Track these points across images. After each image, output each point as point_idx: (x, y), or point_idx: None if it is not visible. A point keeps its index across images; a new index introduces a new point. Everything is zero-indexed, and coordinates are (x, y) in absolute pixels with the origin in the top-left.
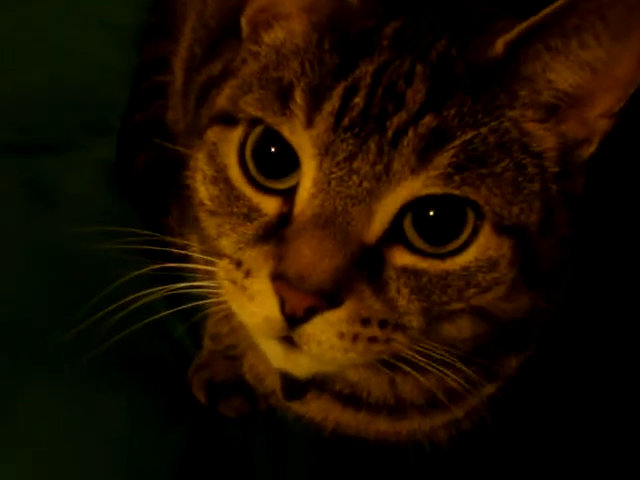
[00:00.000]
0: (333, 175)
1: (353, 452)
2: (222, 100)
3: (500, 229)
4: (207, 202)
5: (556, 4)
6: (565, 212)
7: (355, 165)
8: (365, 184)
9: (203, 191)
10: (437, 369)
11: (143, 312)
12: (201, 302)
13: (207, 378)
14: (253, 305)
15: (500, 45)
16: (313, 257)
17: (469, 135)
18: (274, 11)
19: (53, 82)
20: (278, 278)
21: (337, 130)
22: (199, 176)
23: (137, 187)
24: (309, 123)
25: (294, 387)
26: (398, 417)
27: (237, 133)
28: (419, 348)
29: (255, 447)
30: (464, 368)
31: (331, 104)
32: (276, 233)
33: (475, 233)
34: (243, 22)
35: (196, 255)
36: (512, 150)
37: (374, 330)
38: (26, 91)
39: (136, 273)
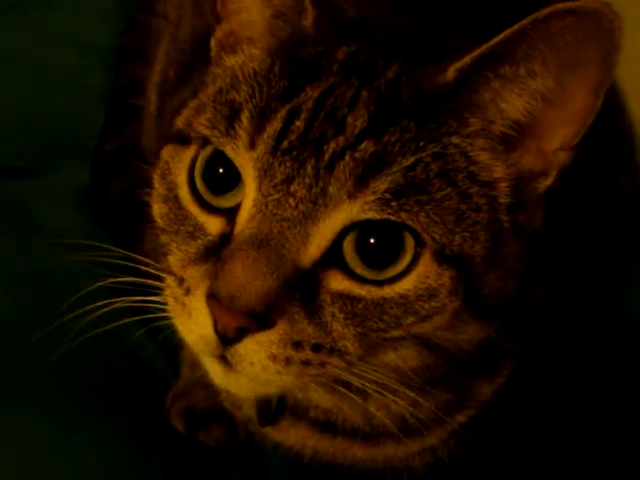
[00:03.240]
0: (270, 197)
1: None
2: (179, 120)
3: (441, 258)
4: (158, 220)
5: (507, 31)
6: (517, 244)
7: (292, 188)
8: (301, 207)
9: (156, 209)
10: (384, 395)
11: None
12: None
13: (186, 407)
14: (190, 322)
15: (451, 72)
16: (245, 278)
17: (410, 161)
18: (240, 34)
19: (29, 103)
20: (212, 297)
21: (276, 153)
22: (154, 194)
23: (112, 213)
24: (251, 145)
25: (267, 413)
26: (373, 444)
27: (189, 153)
28: (362, 373)
29: (234, 476)
30: (413, 395)
31: (272, 127)
32: (217, 252)
33: (415, 261)
34: (212, 43)
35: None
36: (456, 178)
37: (307, 354)
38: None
39: (97, 285)
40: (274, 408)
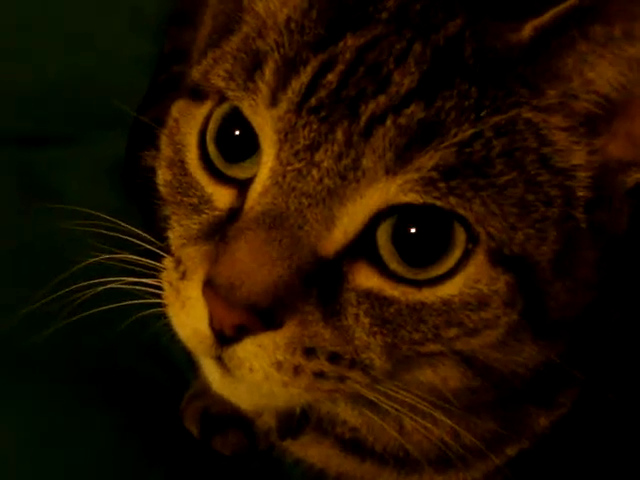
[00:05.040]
0: (290, 167)
1: None
2: (196, 71)
3: (497, 258)
4: (161, 188)
5: None
6: (594, 250)
7: (317, 157)
8: (326, 181)
9: (159, 175)
10: (415, 420)
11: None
12: None
13: (202, 408)
14: (183, 313)
15: (528, 30)
16: (249, 263)
17: (467, 134)
18: None
19: (68, 71)
20: (208, 284)
21: (301, 112)
22: (159, 157)
23: (143, 186)
24: (273, 101)
25: (288, 425)
26: (406, 472)
27: (203, 110)
28: (388, 392)
29: None
30: (451, 423)
31: (299, 80)
32: (222, 231)
33: (465, 259)
34: None
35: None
36: (524, 161)
37: (321, 364)
38: (40, 81)
39: (90, 261)
40: (296, 420)
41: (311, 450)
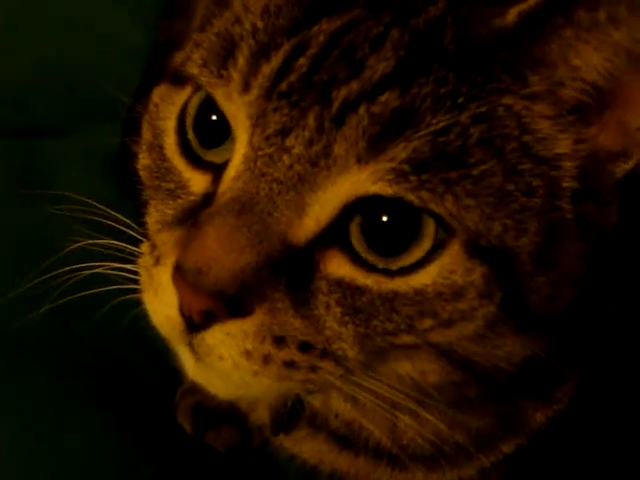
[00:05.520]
0: (261, 152)
1: None
2: (178, 56)
3: (474, 250)
4: (141, 172)
5: None
6: (582, 243)
7: (288, 142)
8: (297, 167)
9: (140, 159)
10: (394, 415)
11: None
12: None
13: (195, 403)
14: (156, 299)
15: (512, 15)
16: (217, 249)
17: (442, 122)
18: None
19: (62, 60)
20: (177, 269)
21: (271, 96)
22: (141, 142)
23: (136, 178)
24: (245, 87)
25: (281, 418)
26: (400, 469)
27: (182, 96)
28: (365, 383)
29: None
30: (432, 419)
31: (270, 65)
32: (195, 216)
33: (439, 249)
34: None
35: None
36: (504, 149)
37: (291, 353)
38: (31, 69)
39: (81, 244)
40: (287, 414)
41: (305, 446)
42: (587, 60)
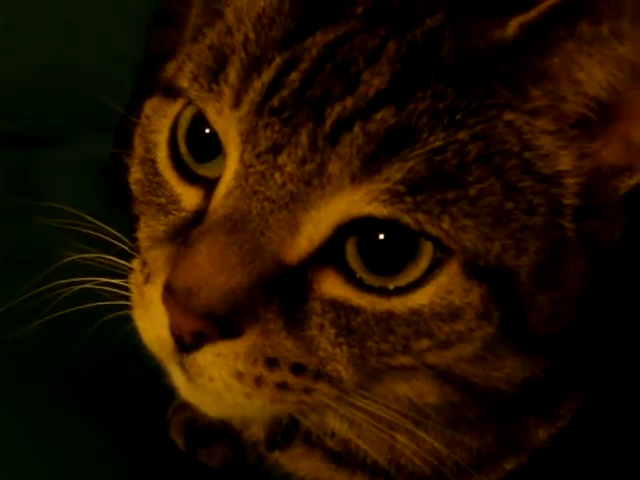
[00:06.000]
0: (252, 169)
1: None
2: (170, 68)
3: (472, 270)
4: (132, 187)
5: None
6: (584, 260)
7: (280, 160)
8: (290, 186)
9: (132, 173)
10: (392, 436)
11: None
12: None
13: (188, 419)
14: (147, 317)
15: (513, 27)
16: (207, 269)
17: (439, 141)
18: None
19: (55, 68)
20: (167, 289)
21: (262, 112)
22: (133, 156)
23: (128, 192)
24: (236, 103)
25: (275, 435)
26: None
27: (175, 108)
28: (360, 404)
29: None
30: (429, 439)
31: (261, 80)
32: (186, 233)
33: (437, 268)
34: None
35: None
36: (504, 167)
37: (284, 375)
38: (24, 77)
39: (74, 258)
40: (283, 432)
41: (301, 464)
42: (590, 74)
